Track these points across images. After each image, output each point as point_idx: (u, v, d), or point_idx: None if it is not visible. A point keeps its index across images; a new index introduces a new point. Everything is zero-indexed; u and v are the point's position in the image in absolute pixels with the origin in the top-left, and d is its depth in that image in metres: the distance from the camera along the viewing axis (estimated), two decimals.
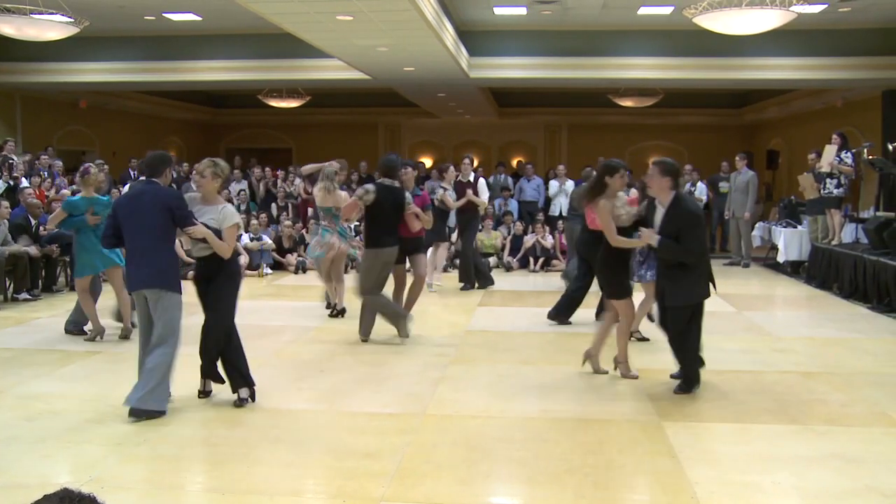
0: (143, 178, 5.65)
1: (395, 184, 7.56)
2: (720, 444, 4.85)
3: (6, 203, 9.93)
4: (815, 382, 6.26)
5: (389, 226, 7.47)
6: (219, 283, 5.46)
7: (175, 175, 14.37)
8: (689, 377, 5.86)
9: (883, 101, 15.15)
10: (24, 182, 11.70)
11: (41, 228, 10.61)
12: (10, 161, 11.94)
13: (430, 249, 10.34)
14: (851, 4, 12.07)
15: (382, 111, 22.65)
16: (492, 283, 11.32)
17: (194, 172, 6.00)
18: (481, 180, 11.56)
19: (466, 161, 11.54)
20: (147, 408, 5.12)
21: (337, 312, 8.82)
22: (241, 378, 5.51)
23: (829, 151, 11.52)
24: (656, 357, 6.74)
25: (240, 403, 5.46)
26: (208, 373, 5.62)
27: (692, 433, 5.02)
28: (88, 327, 7.69)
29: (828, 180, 11.59)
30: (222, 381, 5.59)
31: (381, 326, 7.66)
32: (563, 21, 13.72)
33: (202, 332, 5.52)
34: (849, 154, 11.52)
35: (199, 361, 5.60)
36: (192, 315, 5.79)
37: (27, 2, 10.18)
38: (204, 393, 5.67)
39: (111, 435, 4.92)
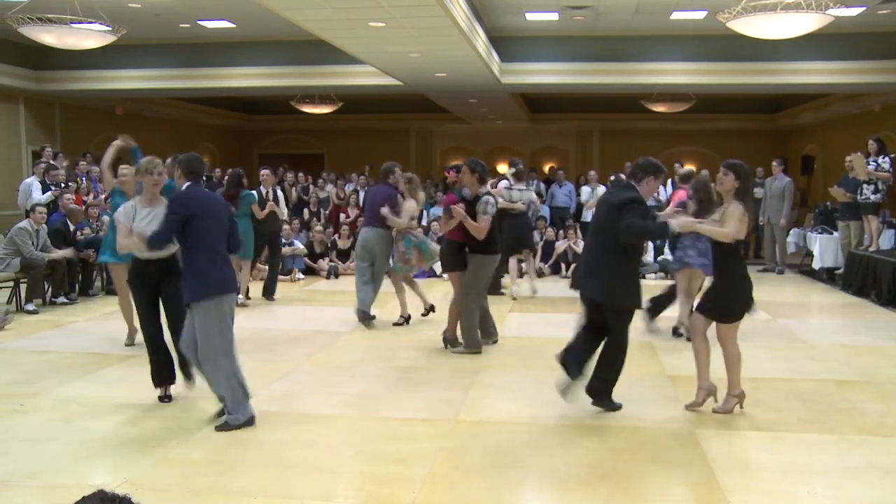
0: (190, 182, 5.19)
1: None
2: (754, 452, 4.79)
3: (42, 208, 10.09)
4: (851, 391, 6.17)
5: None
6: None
7: (206, 179, 14.57)
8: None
9: None
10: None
11: (78, 233, 10.79)
12: (54, 167, 12.16)
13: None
14: (891, 7, 11.87)
15: (414, 117, 22.72)
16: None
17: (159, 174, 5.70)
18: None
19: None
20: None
21: (428, 310, 9.02)
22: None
23: (859, 160, 11.33)
24: (690, 363, 6.65)
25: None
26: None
27: (725, 441, 4.97)
28: None
29: (865, 186, 11.40)
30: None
31: (405, 333, 7.63)
32: (595, 27, 13.67)
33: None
34: (886, 159, 11.32)
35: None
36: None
37: (67, 11, 10.38)
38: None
39: (145, 438, 5.00)
